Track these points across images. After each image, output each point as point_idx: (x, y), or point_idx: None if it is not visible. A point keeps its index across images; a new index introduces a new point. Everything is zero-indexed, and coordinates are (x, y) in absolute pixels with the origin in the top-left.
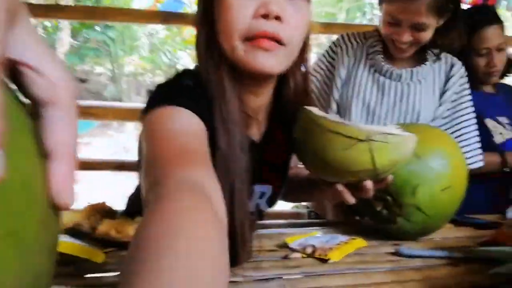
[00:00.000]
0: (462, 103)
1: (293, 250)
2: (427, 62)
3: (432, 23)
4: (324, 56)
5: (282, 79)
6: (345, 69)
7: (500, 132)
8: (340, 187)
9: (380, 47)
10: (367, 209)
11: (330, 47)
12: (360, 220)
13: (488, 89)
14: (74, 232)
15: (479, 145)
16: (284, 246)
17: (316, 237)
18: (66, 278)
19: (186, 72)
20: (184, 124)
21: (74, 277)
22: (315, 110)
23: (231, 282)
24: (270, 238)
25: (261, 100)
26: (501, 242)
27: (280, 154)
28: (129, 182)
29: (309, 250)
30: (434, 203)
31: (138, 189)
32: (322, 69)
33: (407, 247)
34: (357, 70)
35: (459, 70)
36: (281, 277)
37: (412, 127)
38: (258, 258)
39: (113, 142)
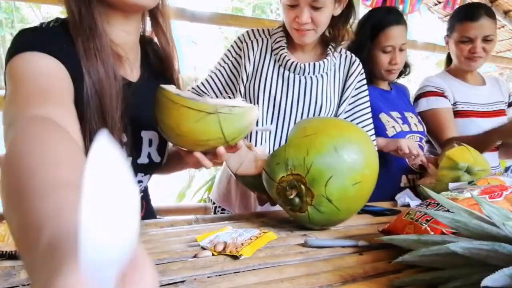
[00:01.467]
0: (361, 98)
1: (204, 248)
2: (328, 57)
3: (329, 4)
4: (229, 51)
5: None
6: (251, 64)
7: (392, 125)
8: (198, 154)
9: (284, 42)
10: (280, 196)
11: (235, 42)
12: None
13: (384, 86)
14: None
15: (374, 137)
16: (194, 244)
17: (227, 232)
18: None
19: (54, 19)
20: (43, 66)
21: None
22: (170, 88)
23: None
24: (178, 236)
25: (129, 36)
26: (400, 229)
27: None
28: None
29: (220, 248)
30: (344, 196)
31: None
32: (226, 63)
33: (314, 237)
34: (263, 65)
35: (358, 67)
36: (194, 279)
37: (331, 121)
38: (165, 260)
39: None
